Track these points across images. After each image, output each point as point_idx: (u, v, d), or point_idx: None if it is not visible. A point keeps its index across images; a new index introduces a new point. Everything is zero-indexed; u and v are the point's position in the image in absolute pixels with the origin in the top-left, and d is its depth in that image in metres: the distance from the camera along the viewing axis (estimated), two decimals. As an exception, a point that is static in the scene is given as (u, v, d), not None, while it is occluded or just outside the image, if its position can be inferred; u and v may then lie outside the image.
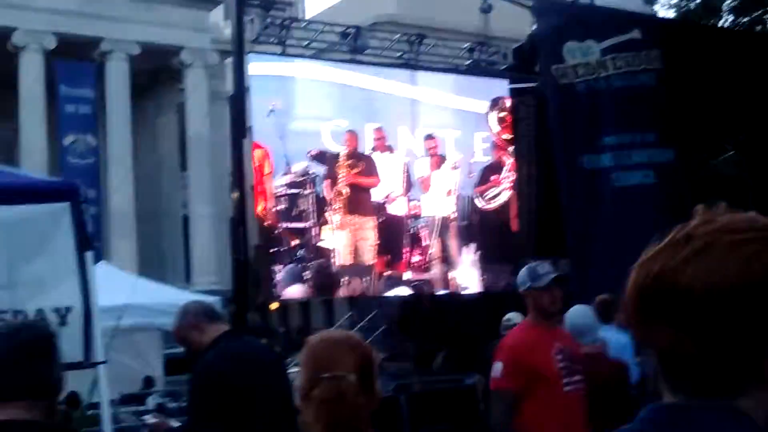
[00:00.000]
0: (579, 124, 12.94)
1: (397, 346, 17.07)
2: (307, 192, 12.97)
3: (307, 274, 12.88)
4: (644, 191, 12.59)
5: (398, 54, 14.98)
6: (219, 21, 32.25)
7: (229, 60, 26.83)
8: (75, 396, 8.31)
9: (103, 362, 4.63)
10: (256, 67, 13.10)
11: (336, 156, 13.31)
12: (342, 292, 13.55)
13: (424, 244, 14.00)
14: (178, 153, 29.51)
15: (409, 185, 14.03)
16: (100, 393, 4.92)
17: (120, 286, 9.25)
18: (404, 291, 13.83)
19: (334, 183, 13.18)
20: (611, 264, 11.97)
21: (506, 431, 4.40)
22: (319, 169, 13.20)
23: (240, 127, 12.85)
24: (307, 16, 36.85)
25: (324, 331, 2.84)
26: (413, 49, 14.98)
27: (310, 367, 2.47)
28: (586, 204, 12.65)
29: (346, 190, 13.19)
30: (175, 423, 5.52)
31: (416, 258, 13.51)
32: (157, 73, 29.28)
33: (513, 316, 8.00)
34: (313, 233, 12.96)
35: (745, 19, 21.04)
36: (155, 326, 11.03)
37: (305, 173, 13.05)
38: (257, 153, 12.72)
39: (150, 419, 5.04)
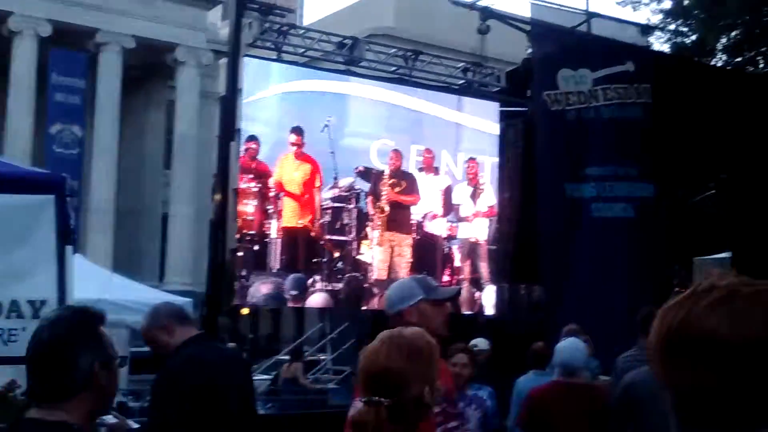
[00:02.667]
0: (565, 152, 13.00)
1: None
2: (351, 206, 13.39)
3: (338, 285, 13.22)
4: (623, 224, 12.67)
5: (393, 68, 15.00)
6: (216, 21, 32.26)
7: (223, 60, 26.84)
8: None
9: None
10: (315, 85, 13.51)
11: (380, 173, 13.67)
12: (372, 305, 13.76)
13: (455, 264, 14.35)
14: (164, 150, 29.45)
15: (448, 207, 14.33)
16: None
17: (93, 281, 9.22)
18: None
19: (376, 199, 13.56)
20: (585, 293, 12.07)
21: None
22: (364, 185, 13.57)
23: (229, 129, 12.83)
24: (306, 23, 36.97)
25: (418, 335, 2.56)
26: (408, 64, 15.01)
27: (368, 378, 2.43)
28: (565, 232, 12.70)
29: (387, 207, 13.56)
30: (134, 424, 5.46)
31: (445, 278, 13.69)
32: (149, 69, 29.24)
33: (479, 342, 7.94)
34: (353, 246, 13.36)
35: (738, 59, 21.22)
36: (125, 324, 10.95)
37: (351, 188, 13.43)
38: (308, 167, 13.02)
39: (109, 418, 4.96)
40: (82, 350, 2.27)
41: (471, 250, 14.53)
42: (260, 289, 12.64)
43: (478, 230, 14.64)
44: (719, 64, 21.00)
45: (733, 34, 20.81)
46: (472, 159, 14.65)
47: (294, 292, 13.02)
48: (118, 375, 2.43)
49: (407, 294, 3.68)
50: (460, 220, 14.46)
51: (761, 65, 21.45)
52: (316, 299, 13.43)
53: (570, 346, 6.29)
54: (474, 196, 14.56)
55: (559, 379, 6.13)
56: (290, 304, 14.74)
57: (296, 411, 12.72)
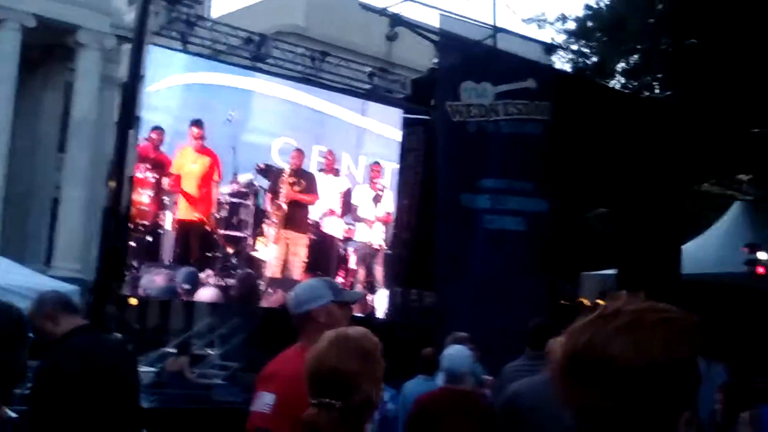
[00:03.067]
0: (463, 163, 13.19)
1: (254, 357, 16.92)
2: (248, 203, 13.32)
3: (230, 281, 13.15)
4: (515, 237, 12.93)
5: (300, 67, 14.97)
6: (121, 6, 31.56)
7: (126, 46, 26.28)
8: None
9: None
10: (220, 78, 13.36)
11: (280, 171, 13.62)
12: (266, 302, 13.74)
13: (350, 266, 14.41)
14: (59, 133, 28.66)
15: (347, 208, 14.38)
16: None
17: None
18: None
19: (275, 197, 13.51)
20: (475, 302, 12.29)
21: None
22: (264, 182, 13.52)
23: (128, 116, 12.61)
24: (214, 16, 36.49)
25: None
26: (315, 64, 15.01)
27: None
28: (459, 241, 12.89)
29: (285, 206, 13.52)
30: (12, 413, 5.31)
31: (340, 279, 13.69)
32: (49, 50, 28.41)
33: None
34: (248, 243, 13.28)
35: (635, 83, 21.91)
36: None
37: (250, 185, 13.38)
38: (207, 160, 12.89)
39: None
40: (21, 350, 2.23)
41: (368, 253, 14.63)
42: (152, 280, 12.47)
43: (376, 234, 14.75)
44: (617, 86, 21.65)
45: (632, 58, 21.48)
46: (376, 163, 14.75)
47: (186, 286, 12.89)
48: None
49: (317, 294, 3.68)
50: (359, 221, 14.54)
51: (657, 90, 22.20)
52: (207, 294, 13.32)
53: (456, 354, 6.40)
54: (375, 200, 14.67)
55: (445, 385, 6.23)
56: (183, 298, 14.57)
57: (180, 405, 12.54)
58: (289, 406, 2.72)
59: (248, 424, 3.44)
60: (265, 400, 3.41)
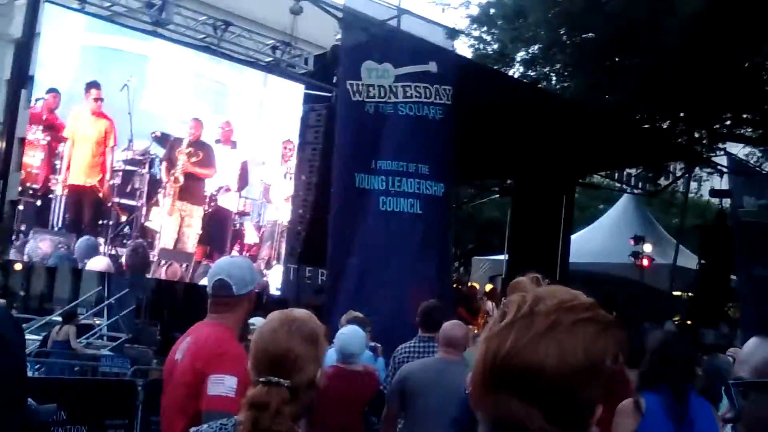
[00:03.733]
0: (360, 143, 13.24)
1: (143, 329, 16.69)
2: (143, 171, 13.02)
3: (122, 250, 12.85)
4: (408, 219, 13.05)
5: (201, 36, 14.72)
6: (17, -41, 30.42)
7: (21, 2, 25.38)
8: None
9: None
10: (120, 41, 12.94)
11: (178, 141, 13.37)
12: (158, 274, 13.56)
13: (245, 241, 14.26)
14: (-55, 88, 27.53)
15: (243, 182, 14.22)
16: None
17: None
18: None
19: (171, 167, 13.25)
20: (364, 282, 12.41)
21: None
22: (160, 151, 13.22)
23: (22, 75, 12.23)
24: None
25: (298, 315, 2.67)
26: (217, 33, 14.78)
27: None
28: (352, 221, 12.95)
29: (181, 178, 13.29)
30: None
31: (234, 253, 13.54)
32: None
33: (256, 321, 7.99)
34: (142, 212, 12.99)
35: (533, 73, 22.31)
36: None
37: (145, 153, 13.06)
38: (103, 125, 12.54)
39: None
40: None
41: (274, 230, 14.58)
42: (40, 246, 12.13)
43: (283, 211, 14.75)
44: (516, 74, 22.01)
45: (532, 48, 21.85)
46: (288, 140, 14.71)
47: (86, 260, 12.63)
48: None
49: (255, 276, 3.77)
50: (269, 199, 14.48)
51: (553, 81, 22.65)
52: (98, 263, 13.03)
53: (349, 333, 6.49)
54: (285, 177, 14.66)
55: (336, 364, 6.30)
56: (79, 266, 14.24)
57: (66, 375, 12.30)
58: (245, 387, 2.70)
59: (207, 407, 3.32)
60: (229, 384, 3.34)
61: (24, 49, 12.21)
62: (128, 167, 12.96)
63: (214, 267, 3.90)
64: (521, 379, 1.25)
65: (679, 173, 26.78)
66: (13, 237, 11.86)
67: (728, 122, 21.67)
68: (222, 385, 3.35)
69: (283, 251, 14.66)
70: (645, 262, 21.75)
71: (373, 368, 6.78)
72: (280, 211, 14.74)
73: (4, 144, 11.84)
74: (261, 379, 2.47)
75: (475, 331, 13.26)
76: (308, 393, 2.53)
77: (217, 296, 3.68)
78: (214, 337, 3.56)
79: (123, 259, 12.94)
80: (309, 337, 2.57)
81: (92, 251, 12.56)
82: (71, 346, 13.85)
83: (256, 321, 7.64)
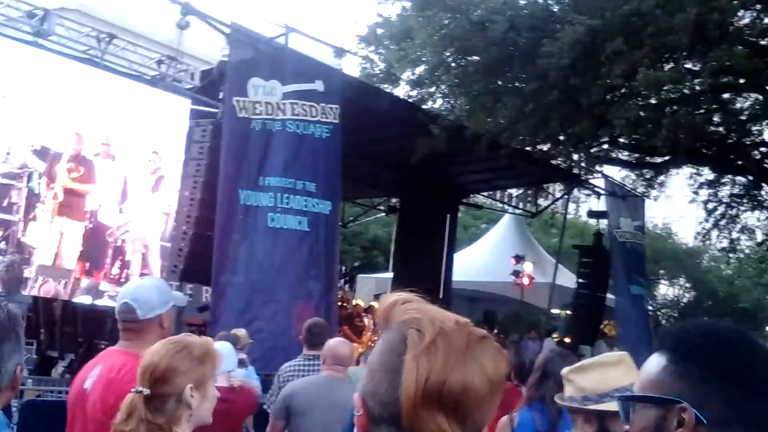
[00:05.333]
0: (246, 160, 13.19)
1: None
2: (21, 185, 12.56)
3: None
4: (296, 236, 13.04)
5: (84, 48, 14.39)
6: None
7: None
8: None
9: None
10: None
11: (59, 156, 12.96)
12: (34, 292, 13.02)
13: (127, 258, 13.87)
14: None
15: (123, 197, 13.86)
16: None
17: None
18: (88, 300, 13.31)
19: (51, 182, 12.83)
20: (251, 300, 12.32)
21: None
22: (39, 165, 12.77)
23: None
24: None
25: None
26: (101, 46, 14.47)
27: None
28: (238, 237, 12.87)
29: (61, 193, 12.89)
30: None
31: (115, 270, 13.16)
32: None
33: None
34: (19, 227, 12.53)
35: (419, 94, 22.60)
36: None
37: (24, 166, 12.63)
38: None
39: None
40: (10, 352, 2.29)
41: (144, 245, 14.29)
42: None
43: (154, 225, 14.43)
44: (402, 94, 22.26)
45: (418, 69, 22.13)
46: (155, 152, 14.43)
47: None
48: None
49: (167, 298, 3.59)
50: (136, 213, 14.17)
51: (438, 102, 22.98)
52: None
53: (221, 350, 6.43)
54: (153, 189, 14.34)
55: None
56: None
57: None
58: None
59: None
60: None
61: None
62: (5, 181, 12.54)
63: (121, 289, 3.77)
64: (450, 397, 1.33)
65: (558, 194, 27.53)
66: None
67: (605, 146, 22.42)
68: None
69: (154, 267, 14.32)
70: (525, 280, 22.24)
71: (250, 385, 6.71)
72: (149, 225, 14.38)
73: None
74: (134, 389, 2.60)
75: (359, 350, 13.36)
76: (174, 407, 2.60)
77: (124, 321, 3.54)
78: (126, 369, 3.36)
79: (-2, 276, 12.51)
80: (182, 351, 2.64)
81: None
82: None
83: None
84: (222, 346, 6.46)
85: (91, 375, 3.53)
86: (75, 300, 13.37)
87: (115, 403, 3.18)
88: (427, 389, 1.32)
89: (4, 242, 12.48)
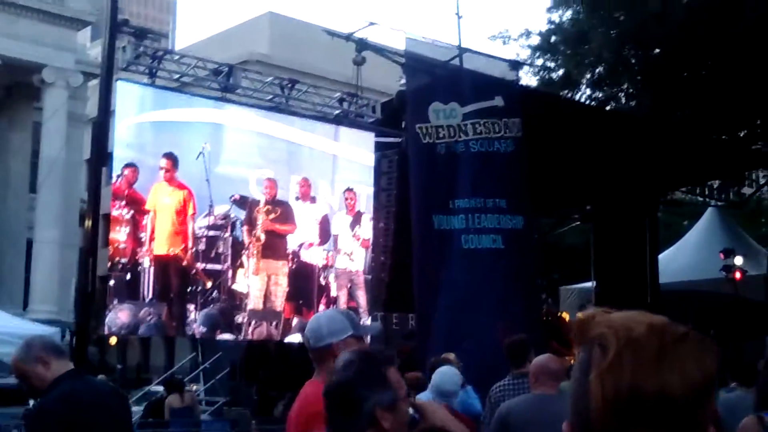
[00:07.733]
0: (435, 184, 13.25)
1: (239, 390, 16.84)
2: (226, 235, 13.32)
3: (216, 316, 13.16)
4: (492, 255, 12.95)
5: (269, 97, 14.98)
6: (86, 42, 31.46)
7: (93, 83, 26.17)
8: None
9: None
10: (191, 113, 13.34)
11: (256, 202, 13.63)
12: (248, 336, 13.78)
13: (332, 294, 14.35)
14: (29, 173, 28.48)
15: (325, 236, 14.37)
16: None
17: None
18: (299, 339, 13.80)
19: (252, 228, 13.51)
20: (454, 323, 12.32)
21: None
22: (240, 214, 13.52)
23: (101, 154, 12.60)
24: (177, 48, 36.45)
25: None
26: (284, 92, 15.01)
27: None
28: (436, 262, 12.91)
29: (262, 236, 13.53)
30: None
31: (321, 307, 13.69)
32: (14, 89, 28.30)
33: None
34: (228, 275, 13.23)
35: (601, 94, 22.15)
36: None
37: (226, 216, 13.38)
38: (181, 194, 12.85)
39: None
40: (366, 393, 2.46)
41: (349, 279, 14.61)
42: (119, 316, 12.20)
43: (356, 260, 14.75)
44: (584, 97, 21.87)
45: (597, 70, 21.71)
46: (349, 189, 14.77)
47: (203, 329, 12.98)
48: (404, 416, 2.59)
49: (339, 327, 3.63)
50: (338, 249, 14.52)
51: (623, 100, 22.44)
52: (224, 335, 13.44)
53: (446, 372, 6.49)
54: (352, 225, 14.68)
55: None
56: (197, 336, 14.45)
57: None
58: None
59: None
60: None
61: (101, 129, 12.58)
62: (211, 233, 13.18)
63: None
64: (647, 408, 1.23)
65: (762, 180, 26.16)
66: (106, 312, 12.09)
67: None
68: None
69: (360, 300, 14.61)
70: (737, 275, 21.16)
71: (468, 416, 6.74)
72: (352, 260, 14.72)
73: (90, 222, 12.16)
74: None
75: (571, 362, 13.07)
76: None
77: (308, 351, 3.71)
78: (311, 395, 3.51)
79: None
80: None
81: (212, 325, 12.95)
82: (194, 412, 13.85)
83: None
84: (447, 370, 6.58)
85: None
86: (287, 340, 13.80)
87: (304, 427, 3.41)
88: (617, 405, 1.23)
89: (216, 291, 13.07)
